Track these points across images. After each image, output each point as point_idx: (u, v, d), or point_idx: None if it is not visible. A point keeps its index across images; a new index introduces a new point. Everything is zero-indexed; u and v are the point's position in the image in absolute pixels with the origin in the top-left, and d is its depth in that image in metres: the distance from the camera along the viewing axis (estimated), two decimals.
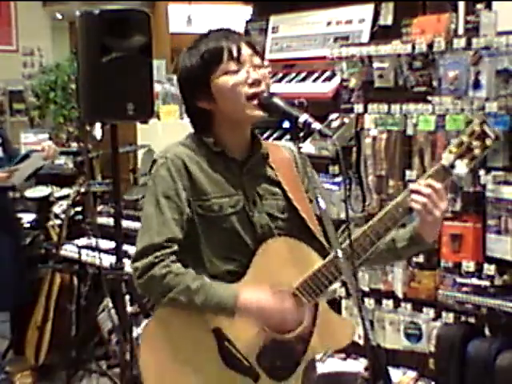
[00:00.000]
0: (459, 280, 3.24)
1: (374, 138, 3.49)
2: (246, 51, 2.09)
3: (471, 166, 2.01)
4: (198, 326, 2.04)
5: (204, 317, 2.03)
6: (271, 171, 2.18)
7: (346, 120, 3.59)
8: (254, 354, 2.06)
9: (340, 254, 1.89)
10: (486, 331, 3.25)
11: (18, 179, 4.24)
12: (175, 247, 2.03)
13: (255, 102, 2.05)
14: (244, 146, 2.17)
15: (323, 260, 2.08)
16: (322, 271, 2.07)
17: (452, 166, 2.01)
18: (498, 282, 3.15)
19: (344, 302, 3.69)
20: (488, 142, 2.00)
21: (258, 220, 2.11)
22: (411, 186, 2.04)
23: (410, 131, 3.37)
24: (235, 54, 2.07)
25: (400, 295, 3.51)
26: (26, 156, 4.30)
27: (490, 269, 3.14)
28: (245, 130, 2.17)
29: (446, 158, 2.02)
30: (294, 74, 4.01)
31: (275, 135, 3.92)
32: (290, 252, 2.12)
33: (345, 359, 3.71)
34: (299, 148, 1.99)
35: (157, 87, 5.78)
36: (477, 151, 2.00)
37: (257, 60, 2.09)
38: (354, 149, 3.56)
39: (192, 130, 2.19)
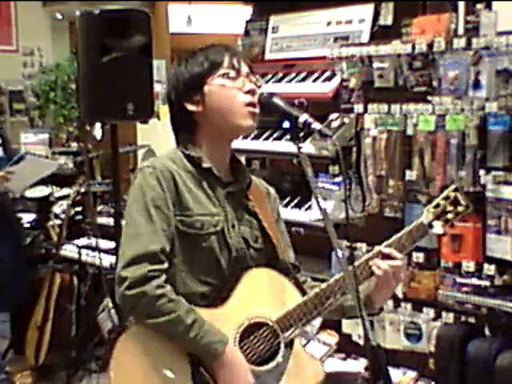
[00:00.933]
0: (459, 280, 3.24)
1: (374, 138, 3.48)
2: (244, 67, 2.11)
3: (446, 227, 2.15)
4: (175, 347, 1.98)
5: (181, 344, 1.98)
6: (248, 201, 2.17)
7: (346, 120, 3.58)
8: None
9: (340, 254, 1.89)
10: (486, 331, 3.25)
11: (20, 187, 4.20)
12: (166, 264, 1.98)
13: (251, 109, 2.06)
14: (226, 166, 2.17)
15: (302, 296, 2.10)
16: (301, 308, 2.07)
17: (430, 226, 2.14)
18: (497, 282, 3.14)
19: None
20: (460, 208, 2.15)
21: (234, 243, 2.09)
22: (378, 248, 2.11)
23: (410, 131, 3.36)
24: (235, 64, 2.09)
25: (400, 295, 3.50)
26: (21, 158, 4.28)
27: (489, 269, 3.14)
28: (227, 146, 2.16)
29: (426, 217, 2.15)
30: (293, 74, 4.00)
31: (275, 135, 3.92)
32: (273, 283, 2.11)
33: (345, 359, 3.71)
34: (299, 148, 1.99)
35: (157, 87, 5.77)
36: (450, 215, 2.15)
37: (253, 78, 2.12)
38: (354, 149, 3.56)
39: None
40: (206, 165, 2.09)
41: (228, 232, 2.08)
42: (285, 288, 2.13)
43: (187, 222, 2.03)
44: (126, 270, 1.95)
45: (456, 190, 2.17)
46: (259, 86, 2.14)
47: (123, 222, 2.10)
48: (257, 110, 2.08)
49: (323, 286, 2.10)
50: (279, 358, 2.07)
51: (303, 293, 2.12)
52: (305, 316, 2.07)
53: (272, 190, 2.31)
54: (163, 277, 1.97)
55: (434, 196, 3.10)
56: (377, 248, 2.13)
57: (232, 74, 2.07)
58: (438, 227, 2.14)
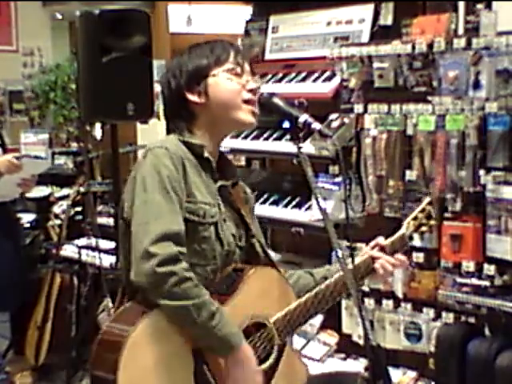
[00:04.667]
0: (459, 280, 3.24)
1: (374, 138, 3.48)
2: (246, 66, 2.13)
3: (421, 238, 2.44)
4: (180, 342, 1.96)
5: (188, 335, 1.96)
6: (233, 199, 2.18)
7: (346, 120, 3.58)
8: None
9: (340, 254, 1.90)
10: (486, 331, 3.25)
11: (15, 192, 4.16)
12: (185, 248, 1.96)
13: (250, 106, 2.08)
14: (215, 161, 2.16)
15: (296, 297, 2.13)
16: (299, 309, 2.10)
17: (410, 237, 2.29)
18: (497, 281, 3.14)
19: (344, 302, 3.69)
20: (432, 222, 2.32)
21: (225, 237, 2.09)
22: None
23: (410, 131, 3.36)
24: (240, 61, 2.10)
25: (400, 295, 3.50)
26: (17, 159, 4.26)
27: (489, 269, 3.14)
28: (220, 140, 2.16)
29: (407, 228, 2.30)
30: (293, 74, 4.00)
31: (275, 135, 3.92)
32: (275, 283, 2.13)
33: (345, 359, 3.71)
34: (299, 148, 1.99)
35: (157, 87, 5.77)
36: (424, 228, 2.31)
37: (255, 78, 2.15)
38: (354, 149, 3.56)
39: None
40: (207, 154, 2.09)
41: (221, 226, 2.08)
42: (285, 288, 2.14)
43: (192, 209, 2.02)
44: (156, 246, 1.89)
45: (430, 203, 2.32)
46: (259, 87, 2.15)
47: (135, 200, 2.01)
48: (256, 110, 2.09)
49: (322, 286, 2.12)
50: (271, 360, 2.08)
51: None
52: (303, 317, 2.10)
53: (249, 191, 2.32)
54: (186, 260, 1.94)
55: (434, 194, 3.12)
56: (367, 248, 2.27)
57: (238, 70, 2.09)
58: (415, 239, 2.38)
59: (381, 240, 2.27)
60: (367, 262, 2.24)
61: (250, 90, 2.09)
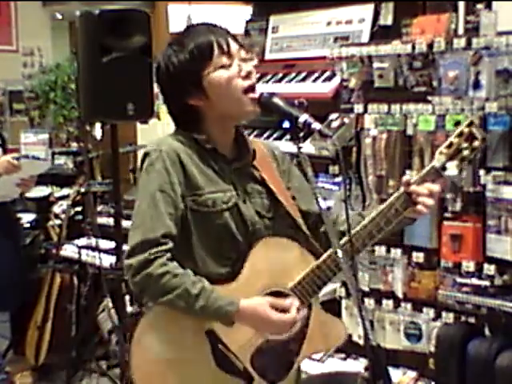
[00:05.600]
0: (459, 280, 3.24)
1: (374, 138, 3.48)
2: (233, 45, 2.08)
3: (461, 166, 2.03)
4: (192, 327, 2.02)
5: (198, 318, 2.01)
6: (256, 171, 2.17)
7: (346, 120, 3.58)
8: (247, 356, 2.05)
9: (340, 253, 1.90)
10: (486, 331, 3.25)
11: (14, 193, 4.16)
12: (170, 244, 2.00)
13: (251, 94, 2.05)
14: (231, 143, 2.17)
15: (315, 259, 2.09)
16: (316, 271, 2.07)
17: (443, 168, 2.03)
18: (497, 281, 3.14)
19: (344, 302, 3.69)
20: (476, 143, 2.01)
21: (248, 217, 2.10)
22: (406, 188, 2.04)
23: (410, 131, 3.36)
24: (225, 48, 2.05)
25: (400, 295, 3.50)
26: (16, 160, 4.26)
27: (489, 269, 3.14)
28: (232, 128, 2.16)
29: (438, 160, 2.05)
30: (293, 74, 4.00)
31: (275, 135, 3.92)
32: (284, 251, 2.11)
33: (345, 359, 3.71)
34: (299, 148, 1.99)
35: (157, 87, 5.78)
36: (466, 152, 2.02)
37: (243, 53, 2.09)
38: (354, 149, 3.56)
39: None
40: (209, 146, 2.10)
41: (239, 208, 2.09)
42: (297, 254, 2.12)
43: (199, 201, 2.04)
44: (130, 259, 1.99)
45: (471, 123, 2.03)
46: (252, 57, 2.12)
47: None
48: (256, 95, 2.06)
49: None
50: (299, 324, 2.07)
51: (319, 254, 2.11)
52: (320, 279, 2.07)
53: (278, 151, 2.31)
54: (167, 255, 1.98)
55: None
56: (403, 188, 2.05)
57: (224, 60, 2.05)
58: (452, 168, 2.02)
59: (408, 177, 2.08)
60: (401, 199, 2.05)
61: (246, 76, 2.06)
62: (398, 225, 2.08)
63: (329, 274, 2.06)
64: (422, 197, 2.02)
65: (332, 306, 2.20)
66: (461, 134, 2.03)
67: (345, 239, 2.01)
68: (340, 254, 1.90)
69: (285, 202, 2.17)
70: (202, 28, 2.10)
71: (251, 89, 2.06)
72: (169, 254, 1.99)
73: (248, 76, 2.06)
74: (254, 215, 2.12)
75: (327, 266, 2.06)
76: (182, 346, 2.03)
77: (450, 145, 2.03)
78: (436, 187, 2.04)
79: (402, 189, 2.06)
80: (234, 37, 2.11)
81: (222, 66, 2.05)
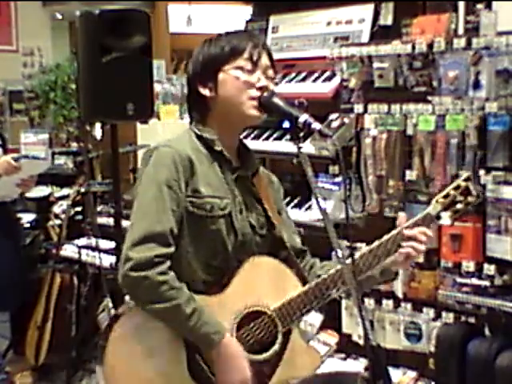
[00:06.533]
0: (459, 280, 3.24)
1: (374, 138, 3.48)
2: (264, 60, 2.11)
3: (454, 217, 2.10)
4: (171, 333, 2.00)
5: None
6: (254, 188, 2.19)
7: (346, 120, 3.58)
8: None
9: (340, 254, 1.89)
10: (486, 331, 3.25)
11: (14, 193, 4.15)
12: (172, 248, 1.99)
13: (255, 102, 2.07)
14: (235, 151, 2.18)
15: (302, 286, 2.10)
16: (302, 297, 2.08)
17: (438, 217, 2.11)
18: (497, 281, 3.14)
19: (344, 302, 3.69)
20: (470, 199, 2.10)
21: (240, 227, 2.10)
22: (405, 232, 2.10)
23: (410, 131, 3.37)
24: (255, 57, 2.08)
25: (400, 295, 3.51)
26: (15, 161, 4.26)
27: (489, 269, 3.14)
28: (236, 132, 2.18)
29: (434, 208, 2.11)
30: (293, 74, 4.00)
31: (275, 135, 3.92)
32: (273, 272, 2.12)
33: (345, 359, 3.71)
34: (299, 148, 1.99)
35: (157, 87, 5.78)
36: (459, 206, 2.10)
37: (270, 72, 2.12)
38: (354, 149, 3.56)
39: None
40: (218, 148, 2.10)
41: (235, 216, 2.09)
42: (285, 277, 2.13)
43: (197, 204, 2.04)
44: (133, 250, 1.95)
45: (468, 179, 2.10)
46: (275, 81, 2.14)
47: (135, 202, 2.08)
48: (256, 103, 2.08)
49: (325, 275, 2.10)
50: (276, 347, 2.08)
51: (304, 282, 2.13)
52: (304, 306, 2.08)
53: (275, 179, 2.34)
54: (167, 263, 1.97)
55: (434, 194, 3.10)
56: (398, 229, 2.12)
57: (249, 66, 2.08)
58: (445, 218, 2.09)
59: (402, 220, 2.15)
60: (393, 238, 2.11)
61: (260, 88, 2.08)
62: (381, 275, 2.15)
63: (314, 302, 2.08)
64: (415, 242, 2.08)
65: (332, 306, 2.19)
66: (458, 187, 2.11)
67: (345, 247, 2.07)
68: (340, 254, 1.90)
69: (277, 226, 2.19)
70: (242, 33, 2.16)
71: (256, 99, 2.09)
72: (169, 262, 1.98)
73: (262, 89, 2.08)
74: (247, 227, 2.13)
75: (314, 294, 2.08)
76: (159, 350, 2.00)
77: (447, 195, 2.11)
78: (430, 232, 2.10)
79: (397, 229, 2.12)
80: (270, 55, 2.14)
81: (243, 69, 2.08)
